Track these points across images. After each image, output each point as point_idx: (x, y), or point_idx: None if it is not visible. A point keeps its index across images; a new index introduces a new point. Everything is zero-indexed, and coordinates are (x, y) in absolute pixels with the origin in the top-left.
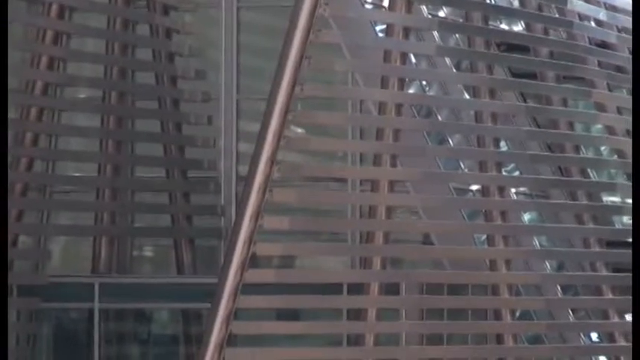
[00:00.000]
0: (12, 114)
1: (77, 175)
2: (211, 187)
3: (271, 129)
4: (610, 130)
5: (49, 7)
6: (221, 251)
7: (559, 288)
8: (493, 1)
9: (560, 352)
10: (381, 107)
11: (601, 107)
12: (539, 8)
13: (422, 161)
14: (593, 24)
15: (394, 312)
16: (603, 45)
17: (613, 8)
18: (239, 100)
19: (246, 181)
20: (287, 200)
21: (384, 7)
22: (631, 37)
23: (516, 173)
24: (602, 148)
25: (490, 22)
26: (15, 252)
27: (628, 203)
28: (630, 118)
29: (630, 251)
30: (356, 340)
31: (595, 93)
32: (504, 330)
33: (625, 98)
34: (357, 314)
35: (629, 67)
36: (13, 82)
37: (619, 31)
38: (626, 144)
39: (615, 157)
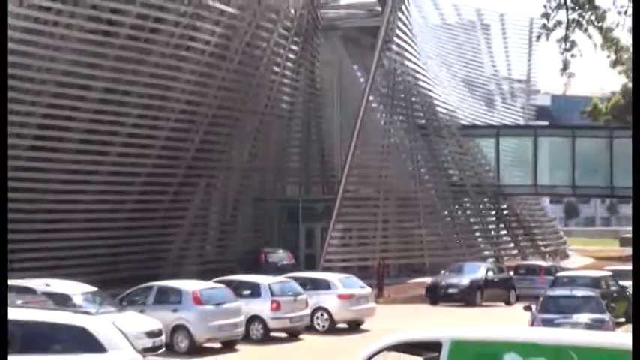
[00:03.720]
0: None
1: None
2: (332, 173)
3: (350, 155)
4: (454, 155)
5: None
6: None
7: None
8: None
9: None
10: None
11: (447, 147)
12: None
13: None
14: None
15: None
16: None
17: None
18: (340, 147)
19: (344, 166)
20: (357, 173)
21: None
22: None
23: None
24: (450, 158)
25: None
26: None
27: (456, 172)
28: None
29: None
30: None
31: (447, 141)
32: None
33: (456, 141)
34: None
35: (458, 133)
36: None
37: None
38: (459, 155)
39: (456, 161)
